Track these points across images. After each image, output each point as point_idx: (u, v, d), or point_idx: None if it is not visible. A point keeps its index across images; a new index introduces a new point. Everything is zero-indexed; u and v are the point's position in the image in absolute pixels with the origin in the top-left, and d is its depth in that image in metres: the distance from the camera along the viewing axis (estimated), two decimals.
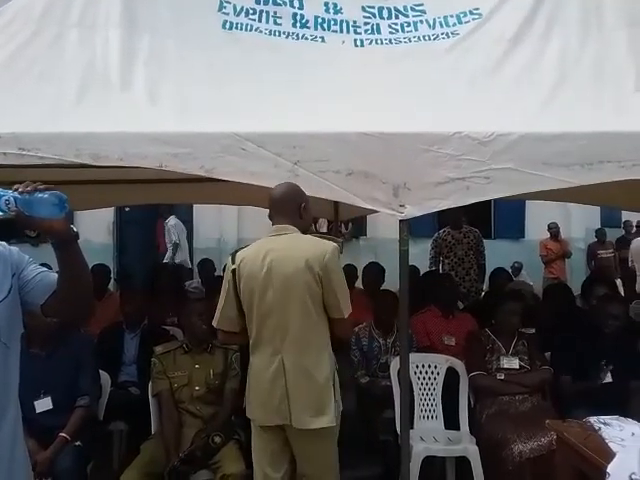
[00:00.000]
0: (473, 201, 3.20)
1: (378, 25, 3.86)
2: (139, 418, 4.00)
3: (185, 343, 3.88)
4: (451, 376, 4.21)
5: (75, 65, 3.42)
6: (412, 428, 3.77)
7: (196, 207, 11.51)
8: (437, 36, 3.82)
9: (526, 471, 3.50)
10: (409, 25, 3.86)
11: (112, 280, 7.10)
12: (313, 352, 2.89)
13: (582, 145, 3.14)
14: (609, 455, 2.44)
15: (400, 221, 3.19)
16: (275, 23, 3.79)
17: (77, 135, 3.04)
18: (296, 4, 3.88)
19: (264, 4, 3.86)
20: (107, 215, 11.41)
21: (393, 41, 3.81)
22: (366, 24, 3.86)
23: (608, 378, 3.90)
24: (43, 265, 1.98)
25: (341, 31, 3.83)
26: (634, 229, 11.75)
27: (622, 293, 8.17)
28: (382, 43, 3.82)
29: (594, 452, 2.55)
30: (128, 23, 3.61)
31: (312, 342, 2.89)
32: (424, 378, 4.21)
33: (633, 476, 2.25)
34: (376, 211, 3.31)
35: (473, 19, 3.85)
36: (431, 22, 3.86)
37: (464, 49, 3.74)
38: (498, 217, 12.50)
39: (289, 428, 2.90)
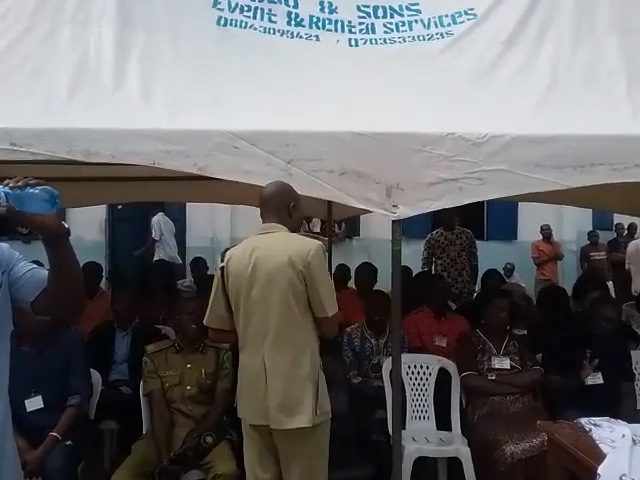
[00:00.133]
0: (466, 202, 3.20)
1: (373, 25, 3.86)
2: (130, 417, 3.99)
3: (177, 342, 3.87)
4: (443, 377, 4.21)
5: (68, 61, 3.40)
6: (404, 429, 3.77)
7: (189, 206, 11.50)
8: (432, 36, 3.82)
9: (518, 472, 3.50)
10: (404, 25, 3.86)
11: (104, 278, 7.07)
12: (293, 350, 2.86)
13: (575, 147, 3.15)
14: (600, 456, 2.44)
15: (393, 221, 3.19)
16: (270, 21, 3.78)
17: (69, 131, 3.02)
18: (291, 3, 3.87)
19: (259, 1, 3.85)
20: (99, 212, 11.40)
21: (388, 41, 3.81)
22: (361, 24, 3.86)
23: (599, 380, 3.91)
24: (35, 262, 1.96)
25: (336, 30, 3.82)
26: (625, 232, 11.80)
27: (613, 295, 8.21)
28: (377, 43, 3.81)
29: (585, 453, 2.55)
30: (122, 19, 3.59)
31: (293, 340, 2.87)
32: (416, 379, 4.22)
33: (624, 477, 2.25)
34: (369, 211, 3.30)
35: (468, 19, 3.85)
36: (426, 22, 3.85)
37: (458, 50, 3.74)
38: (491, 218, 12.54)
39: (272, 428, 2.89)
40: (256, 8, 3.81)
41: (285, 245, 2.89)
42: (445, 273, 6.89)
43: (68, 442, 3.54)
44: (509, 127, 3.19)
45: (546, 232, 10.96)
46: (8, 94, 3.21)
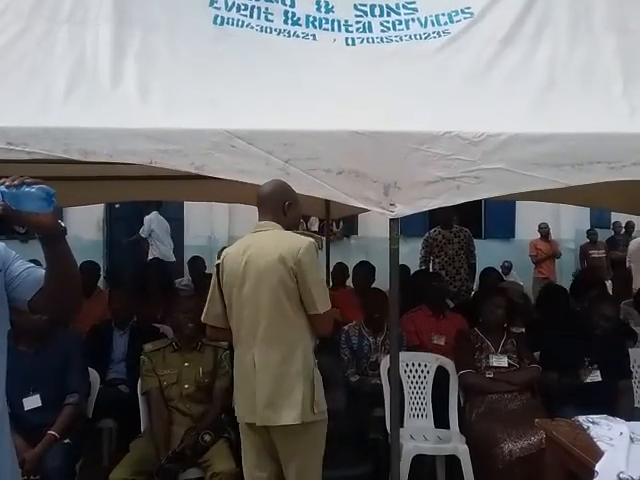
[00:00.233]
0: (463, 201, 3.20)
1: (370, 23, 3.86)
2: (128, 416, 3.99)
3: (174, 341, 3.87)
4: (441, 375, 4.22)
5: (65, 60, 3.40)
6: (402, 427, 3.77)
7: (187, 205, 11.50)
8: (428, 35, 3.82)
9: (516, 470, 3.50)
10: (401, 23, 3.86)
11: (101, 277, 7.06)
12: (284, 347, 2.85)
13: (572, 146, 3.16)
14: (597, 454, 2.45)
15: (390, 220, 3.19)
16: (266, 19, 3.78)
17: (65, 130, 3.02)
18: (288, 2, 3.87)
19: (256, 0, 3.85)
20: (97, 212, 11.39)
21: (384, 40, 3.81)
22: (358, 22, 3.86)
23: (597, 377, 3.92)
24: (32, 262, 1.96)
25: (332, 29, 3.82)
26: (623, 230, 11.82)
27: (611, 293, 8.22)
28: (373, 42, 3.81)
29: (583, 451, 2.56)
30: (119, 18, 3.59)
31: (284, 337, 2.86)
32: (414, 377, 4.22)
33: (621, 475, 2.26)
34: (367, 210, 3.31)
35: (464, 18, 3.85)
36: (423, 20, 3.86)
37: (455, 49, 3.74)
38: (488, 217, 12.56)
39: (260, 425, 2.88)
40: (253, 7, 3.81)
41: (277, 243, 2.89)
42: (443, 271, 6.89)
43: (66, 440, 3.54)
44: (506, 126, 3.20)
45: (544, 230, 10.98)
46: (5, 93, 3.21)
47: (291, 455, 2.89)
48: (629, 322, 5.18)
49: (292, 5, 3.87)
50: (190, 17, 3.75)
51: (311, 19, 3.83)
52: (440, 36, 3.79)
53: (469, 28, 3.80)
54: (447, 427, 4.06)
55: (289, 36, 3.77)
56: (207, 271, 6.67)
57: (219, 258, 3.07)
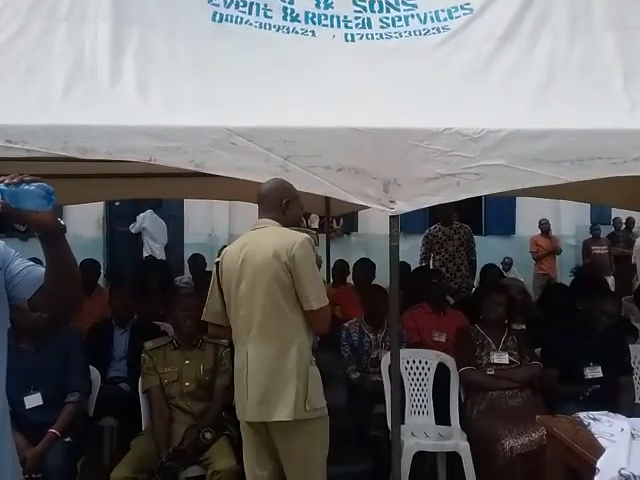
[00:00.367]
0: (463, 197, 3.20)
1: (369, 19, 3.85)
2: (129, 414, 3.99)
3: (175, 339, 3.87)
4: (442, 372, 4.21)
5: (64, 58, 3.39)
6: (403, 423, 3.77)
7: (187, 202, 11.49)
8: (428, 31, 3.81)
9: (517, 466, 3.50)
10: (400, 19, 3.85)
11: (102, 275, 7.06)
12: (278, 344, 2.84)
13: (573, 142, 3.15)
14: (598, 450, 2.44)
15: (390, 217, 3.18)
16: (265, 16, 3.77)
17: (64, 128, 3.00)
18: None
19: None
20: (97, 210, 11.37)
21: (384, 36, 3.80)
22: (357, 18, 3.85)
23: (598, 373, 3.92)
24: (32, 260, 1.96)
25: (332, 25, 3.81)
26: (623, 226, 11.81)
27: (614, 289, 8.23)
28: (373, 38, 3.80)
29: (584, 447, 2.55)
30: (117, 16, 3.58)
31: (278, 334, 2.85)
32: (415, 374, 4.22)
33: (622, 471, 2.25)
34: (367, 207, 3.30)
35: (464, 14, 3.85)
36: (422, 16, 3.85)
37: (454, 45, 3.74)
38: (489, 213, 12.54)
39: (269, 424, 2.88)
40: (251, 3, 3.80)
41: (272, 239, 2.89)
42: (443, 268, 6.89)
43: (67, 439, 3.54)
44: (506, 122, 3.19)
45: (544, 227, 10.98)
46: (3, 92, 3.20)
47: (289, 453, 2.88)
48: (630, 318, 5.18)
49: (291, 1, 3.85)
50: (189, 14, 3.74)
51: (310, 15, 3.82)
52: (439, 32, 3.79)
53: (468, 24, 3.80)
54: (448, 424, 4.06)
55: (288, 32, 3.76)
56: (207, 269, 6.67)
57: (219, 256, 3.08)
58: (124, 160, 3.10)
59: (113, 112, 3.14)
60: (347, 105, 3.31)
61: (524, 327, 4.62)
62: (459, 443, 3.77)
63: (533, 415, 3.24)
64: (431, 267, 6.98)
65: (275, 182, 3.02)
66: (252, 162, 3.08)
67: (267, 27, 3.75)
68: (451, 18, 3.84)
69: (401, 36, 3.80)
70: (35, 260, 1.97)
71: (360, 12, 3.88)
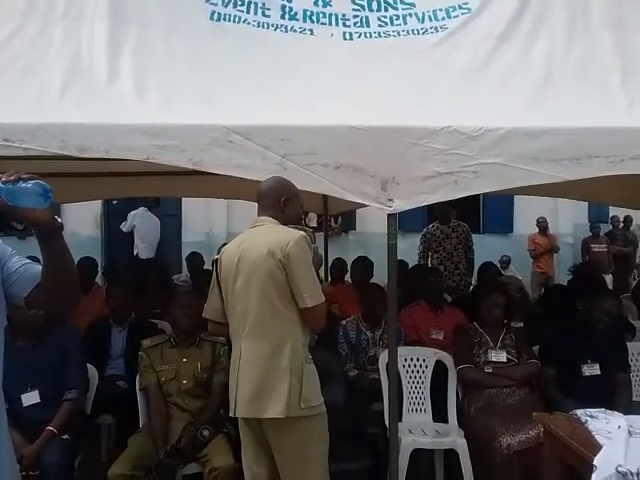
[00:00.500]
0: (461, 195, 3.20)
1: (367, 18, 3.85)
2: (127, 412, 3.99)
3: (173, 337, 3.87)
4: (439, 369, 4.22)
5: (61, 58, 3.39)
6: (401, 421, 3.78)
7: (185, 201, 11.48)
8: (426, 30, 3.81)
9: (514, 464, 3.51)
10: (398, 18, 3.85)
11: (99, 273, 7.06)
12: (272, 341, 2.84)
13: (571, 140, 3.15)
14: (596, 447, 2.45)
15: (388, 215, 3.19)
16: (263, 15, 3.77)
17: (62, 126, 3.01)
18: None
19: None
20: (95, 208, 11.36)
21: (382, 34, 3.80)
22: (355, 17, 3.85)
23: (596, 371, 3.92)
24: (30, 258, 1.95)
25: (330, 24, 3.81)
26: (621, 224, 11.82)
27: (610, 287, 8.24)
28: (371, 37, 3.81)
29: (581, 445, 2.56)
30: (115, 15, 3.58)
31: (273, 331, 2.85)
32: (413, 371, 4.22)
33: (619, 468, 2.26)
34: (365, 205, 3.30)
35: (462, 14, 3.85)
36: (420, 16, 3.85)
37: (452, 44, 3.74)
38: (487, 212, 12.54)
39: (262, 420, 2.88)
40: (249, 2, 3.80)
41: (268, 237, 2.90)
42: (441, 267, 6.89)
43: (65, 436, 3.55)
44: (504, 120, 3.19)
45: (542, 225, 10.98)
46: (0, 91, 3.20)
47: (282, 450, 2.88)
48: (627, 316, 5.19)
49: (289, 0, 3.85)
50: (186, 13, 3.74)
51: (308, 13, 3.82)
52: (438, 31, 3.79)
53: (466, 24, 3.80)
54: (445, 421, 4.07)
55: (286, 31, 3.76)
56: (205, 267, 6.67)
57: (219, 254, 3.10)
58: (122, 159, 3.10)
59: (110, 111, 3.14)
60: (345, 103, 3.31)
61: (522, 325, 4.62)
62: (456, 440, 3.78)
63: (530, 413, 3.24)
64: (429, 265, 6.98)
65: (274, 180, 3.02)
66: (249, 160, 3.08)
67: (265, 26, 3.75)
68: (449, 17, 3.84)
69: (399, 35, 3.80)
70: (33, 259, 1.97)
71: (358, 11, 3.87)
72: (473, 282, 7.09)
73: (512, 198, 11.64)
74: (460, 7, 3.86)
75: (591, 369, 3.94)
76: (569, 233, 12.61)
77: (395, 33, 3.82)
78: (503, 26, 3.74)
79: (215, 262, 3.08)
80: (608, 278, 9.45)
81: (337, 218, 11.70)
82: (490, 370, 4.04)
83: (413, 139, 3.12)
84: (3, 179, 1.67)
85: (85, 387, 3.91)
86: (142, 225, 10.33)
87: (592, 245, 11.05)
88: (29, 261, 1.90)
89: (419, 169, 3.14)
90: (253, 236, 2.97)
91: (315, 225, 10.31)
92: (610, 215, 11.93)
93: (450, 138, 3.13)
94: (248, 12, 3.77)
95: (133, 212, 10.36)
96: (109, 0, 3.61)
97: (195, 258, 7.35)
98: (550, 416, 2.99)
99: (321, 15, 3.84)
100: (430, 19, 3.85)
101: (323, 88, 3.43)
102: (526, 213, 11.69)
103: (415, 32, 3.82)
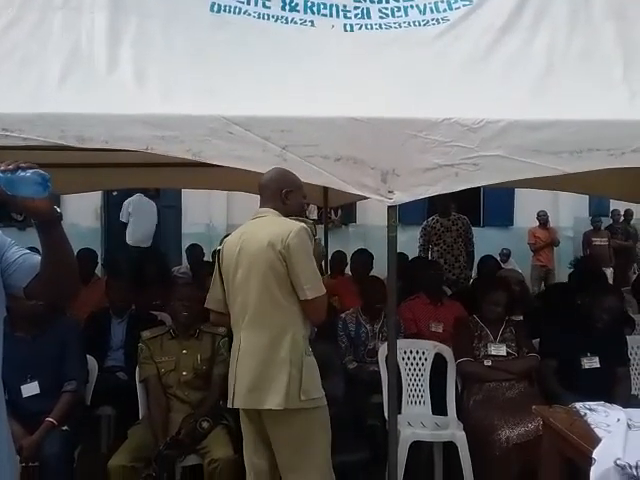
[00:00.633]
0: (462, 188, 3.19)
1: (368, 9, 3.83)
2: (126, 403, 4.00)
3: (172, 328, 3.87)
4: (439, 362, 4.22)
5: (60, 47, 3.38)
6: (400, 413, 3.78)
7: (185, 192, 11.46)
8: (427, 22, 3.80)
9: (513, 457, 3.51)
10: (399, 10, 3.83)
11: (99, 265, 7.06)
12: (272, 332, 2.84)
13: (572, 133, 3.14)
14: (595, 441, 2.45)
15: (389, 207, 3.18)
16: (264, 6, 3.75)
17: (61, 116, 3.00)
18: None
19: None
20: (95, 199, 11.35)
21: (383, 26, 3.79)
22: (356, 8, 3.83)
23: (595, 364, 3.93)
24: (30, 249, 1.95)
25: (331, 15, 3.80)
26: (622, 218, 11.81)
27: (611, 281, 8.24)
28: (372, 28, 3.79)
29: (580, 438, 2.56)
30: (114, 5, 3.56)
31: (272, 322, 2.85)
32: (412, 364, 4.23)
33: (618, 461, 2.26)
34: (365, 197, 3.29)
35: (464, 5, 3.83)
36: (421, 7, 3.83)
37: (454, 36, 3.72)
38: (487, 205, 12.53)
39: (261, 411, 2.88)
40: None
41: (269, 228, 2.90)
42: (441, 259, 6.90)
43: (64, 427, 3.54)
44: (505, 112, 3.18)
45: (542, 218, 10.97)
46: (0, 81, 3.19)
47: (280, 441, 2.89)
48: (627, 309, 5.19)
49: None
50: (187, 4, 3.72)
51: (309, 4, 3.80)
52: (439, 23, 3.77)
53: (468, 15, 3.78)
54: (445, 414, 4.07)
55: (287, 23, 3.75)
56: (205, 259, 6.68)
57: (220, 245, 3.12)
58: (121, 149, 3.09)
59: (110, 101, 3.12)
60: (346, 95, 3.29)
61: (522, 318, 4.62)
62: (456, 433, 3.78)
63: (530, 406, 3.24)
64: (429, 258, 6.98)
65: (276, 172, 3.02)
66: (249, 151, 3.07)
67: (266, 17, 3.73)
68: (450, 9, 3.82)
69: (400, 27, 3.79)
70: (33, 249, 1.96)
71: (359, 2, 3.85)
72: (473, 275, 7.09)
73: (512, 191, 11.63)
74: None
75: (591, 362, 3.94)
76: (569, 226, 12.60)
77: (396, 25, 3.80)
78: (505, 18, 3.72)
79: (217, 253, 3.10)
80: (609, 272, 9.44)
81: (337, 210, 11.69)
82: (490, 363, 4.04)
83: (413, 131, 3.11)
84: (2, 168, 1.66)
85: (85, 378, 3.91)
86: (138, 210, 10.03)
87: (593, 239, 11.04)
88: (28, 251, 1.89)
89: (419, 161, 3.13)
90: (254, 228, 2.97)
91: (315, 217, 10.31)
92: (611, 209, 11.92)
93: (451, 130, 3.12)
94: (249, 3, 3.75)
95: (127, 200, 10.05)
96: None
97: (195, 250, 7.34)
98: (549, 409, 2.99)
99: (322, 6, 3.83)
100: (431, 11, 3.83)
101: (323, 80, 3.41)
102: (526, 206, 11.67)
103: (416, 24, 3.80)
